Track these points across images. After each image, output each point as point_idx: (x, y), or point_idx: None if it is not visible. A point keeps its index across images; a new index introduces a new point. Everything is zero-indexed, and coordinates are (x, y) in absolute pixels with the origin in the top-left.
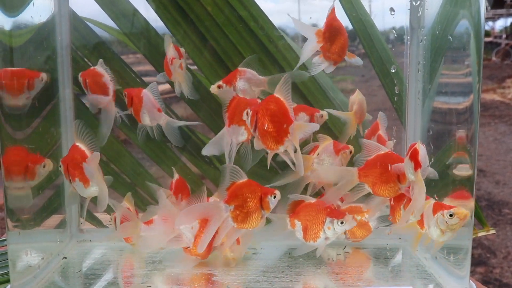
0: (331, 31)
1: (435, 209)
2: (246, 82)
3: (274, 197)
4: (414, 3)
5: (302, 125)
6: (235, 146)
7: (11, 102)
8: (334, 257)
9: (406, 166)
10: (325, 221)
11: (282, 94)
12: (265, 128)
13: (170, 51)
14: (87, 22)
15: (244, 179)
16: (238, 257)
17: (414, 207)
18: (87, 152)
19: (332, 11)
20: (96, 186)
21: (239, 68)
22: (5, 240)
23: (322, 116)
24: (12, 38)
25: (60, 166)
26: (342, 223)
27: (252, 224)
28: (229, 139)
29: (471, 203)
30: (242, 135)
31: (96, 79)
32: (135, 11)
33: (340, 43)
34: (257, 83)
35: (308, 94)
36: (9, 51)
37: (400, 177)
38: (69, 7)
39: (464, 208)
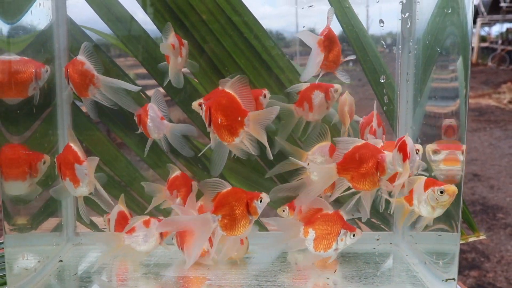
0: (330, 39)
1: (427, 186)
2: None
3: (261, 201)
4: (403, 15)
5: (259, 114)
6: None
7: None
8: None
9: (395, 158)
10: (340, 232)
11: (234, 89)
12: (219, 122)
13: (171, 38)
14: (84, 29)
15: (227, 188)
16: (241, 256)
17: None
18: (80, 154)
19: (328, 20)
20: (86, 187)
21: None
22: (1, 243)
23: (337, 91)
24: (11, 45)
25: (55, 162)
26: (354, 235)
27: (241, 230)
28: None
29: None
30: None
31: (77, 68)
32: (131, 18)
33: (336, 52)
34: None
35: None
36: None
37: (379, 169)
38: (66, 14)
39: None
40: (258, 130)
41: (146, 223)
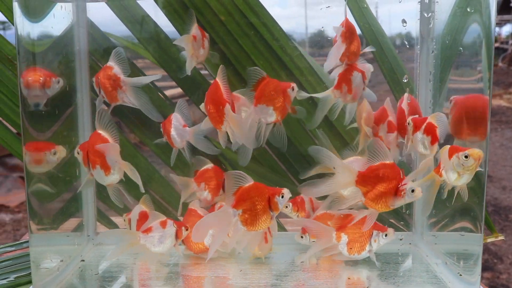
0: (350, 31)
1: (451, 153)
2: (237, 107)
3: (282, 196)
4: (425, 14)
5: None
6: (264, 126)
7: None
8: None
9: (419, 140)
10: (372, 234)
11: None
12: (208, 109)
13: (193, 29)
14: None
15: (250, 182)
16: (265, 254)
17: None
18: (111, 140)
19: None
20: (117, 174)
21: (234, 93)
22: (23, 242)
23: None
24: (35, 46)
25: (78, 153)
26: (386, 235)
27: (262, 225)
28: (256, 118)
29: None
30: (271, 115)
31: (107, 73)
32: (149, 18)
33: (357, 43)
34: (246, 111)
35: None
36: (32, 56)
37: (397, 194)
38: (87, 17)
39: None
40: (232, 120)
41: (163, 224)
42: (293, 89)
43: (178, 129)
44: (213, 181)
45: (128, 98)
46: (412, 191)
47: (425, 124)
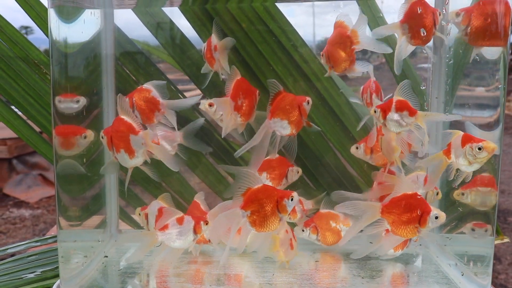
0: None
1: (464, 141)
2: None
3: (292, 199)
4: (443, 23)
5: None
6: (279, 138)
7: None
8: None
9: (396, 120)
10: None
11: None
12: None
13: (214, 38)
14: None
15: (259, 183)
16: (291, 259)
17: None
18: (134, 125)
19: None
20: (141, 157)
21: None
22: (48, 238)
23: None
24: (67, 48)
25: (102, 138)
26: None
27: (270, 227)
28: (271, 131)
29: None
30: (285, 128)
31: (144, 95)
32: (174, 26)
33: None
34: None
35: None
36: (65, 57)
37: (421, 220)
38: (114, 23)
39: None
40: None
41: (180, 221)
42: (308, 103)
43: (167, 138)
44: (275, 171)
45: (166, 119)
46: (436, 217)
47: (394, 102)
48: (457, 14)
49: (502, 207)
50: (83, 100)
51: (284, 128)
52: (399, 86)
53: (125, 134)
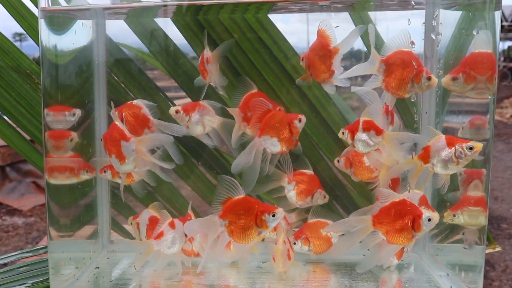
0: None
1: (450, 143)
2: (201, 116)
3: (273, 215)
4: (433, 36)
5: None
6: (269, 156)
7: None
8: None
9: (364, 139)
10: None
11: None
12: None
13: (207, 51)
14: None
15: (240, 193)
16: (288, 269)
17: None
18: (126, 132)
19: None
20: (131, 164)
21: (200, 102)
22: (40, 248)
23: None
24: (58, 58)
25: (101, 140)
26: (429, 220)
27: (247, 240)
28: (261, 148)
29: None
30: (275, 146)
31: (133, 111)
32: (165, 36)
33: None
34: (211, 120)
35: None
36: (55, 68)
37: (414, 225)
38: (105, 33)
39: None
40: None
41: (172, 225)
42: (300, 121)
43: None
44: (303, 185)
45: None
46: (429, 220)
47: (360, 123)
48: (454, 79)
49: (495, 214)
50: (78, 112)
51: (274, 146)
52: (367, 108)
53: (117, 139)
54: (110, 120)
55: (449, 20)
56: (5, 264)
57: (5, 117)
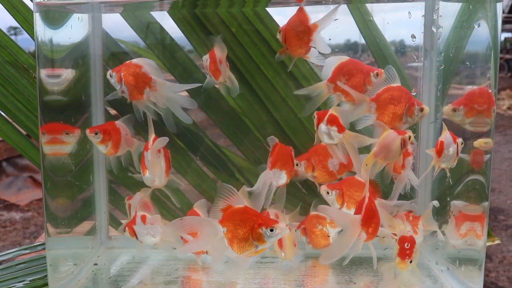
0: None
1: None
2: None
3: (271, 230)
4: (434, 29)
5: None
6: (274, 188)
7: None
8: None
9: (324, 131)
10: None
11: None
12: None
13: (218, 51)
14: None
15: (239, 201)
16: (293, 256)
17: None
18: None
19: None
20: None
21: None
22: (38, 245)
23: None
24: (54, 53)
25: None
26: None
27: (242, 251)
28: (269, 181)
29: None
30: (282, 179)
31: (133, 70)
32: (162, 30)
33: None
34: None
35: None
36: (51, 63)
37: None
38: (102, 28)
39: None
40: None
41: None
42: (377, 75)
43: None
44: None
45: (157, 98)
46: (421, 109)
47: (327, 115)
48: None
49: (492, 205)
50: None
51: (281, 179)
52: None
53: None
54: (107, 114)
55: (449, 11)
56: (2, 262)
57: (2, 112)
